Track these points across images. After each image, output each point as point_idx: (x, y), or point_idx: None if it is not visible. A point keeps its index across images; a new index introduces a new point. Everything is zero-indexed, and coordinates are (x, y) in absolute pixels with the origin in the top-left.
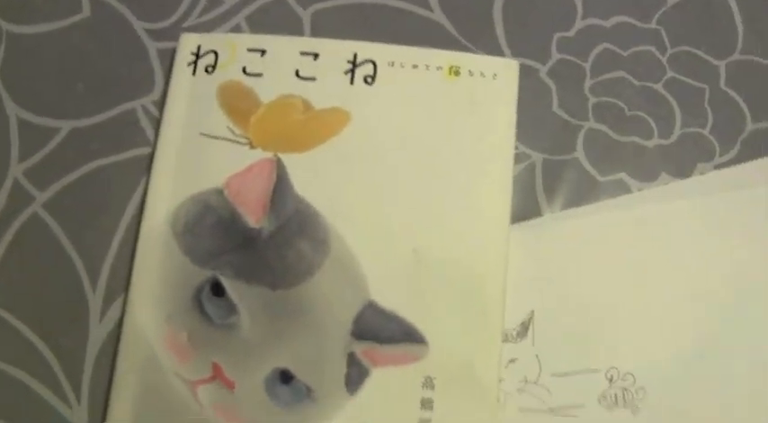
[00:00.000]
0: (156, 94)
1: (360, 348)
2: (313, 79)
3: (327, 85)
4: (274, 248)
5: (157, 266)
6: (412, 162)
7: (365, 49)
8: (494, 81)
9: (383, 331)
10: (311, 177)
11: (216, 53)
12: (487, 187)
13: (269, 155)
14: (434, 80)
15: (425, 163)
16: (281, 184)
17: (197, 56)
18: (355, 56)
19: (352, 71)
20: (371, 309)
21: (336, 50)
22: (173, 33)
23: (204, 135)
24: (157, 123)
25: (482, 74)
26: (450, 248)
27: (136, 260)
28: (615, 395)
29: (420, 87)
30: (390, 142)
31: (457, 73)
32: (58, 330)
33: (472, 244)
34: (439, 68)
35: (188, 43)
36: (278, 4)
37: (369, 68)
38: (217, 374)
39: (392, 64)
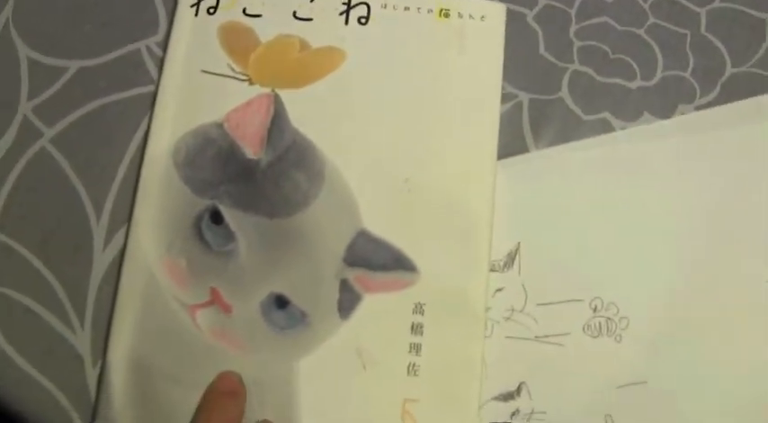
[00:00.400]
0: (160, 36)
1: (352, 275)
2: (310, 20)
3: (323, 26)
4: (272, 179)
5: (159, 196)
6: (404, 98)
7: None
8: (482, 22)
9: (375, 258)
10: (308, 112)
11: None
12: (475, 122)
13: (267, 91)
14: (425, 21)
15: (417, 99)
16: (278, 118)
17: None
18: None
19: (347, 12)
20: (364, 237)
21: None
22: None
23: (205, 72)
24: (161, 63)
25: (471, 16)
26: (440, 179)
27: (138, 191)
28: (599, 324)
29: (412, 28)
30: (383, 79)
31: (447, 15)
32: (64, 259)
33: (461, 175)
34: (429, 11)
35: None
36: None
37: (363, 10)
38: (215, 299)
39: (385, 6)
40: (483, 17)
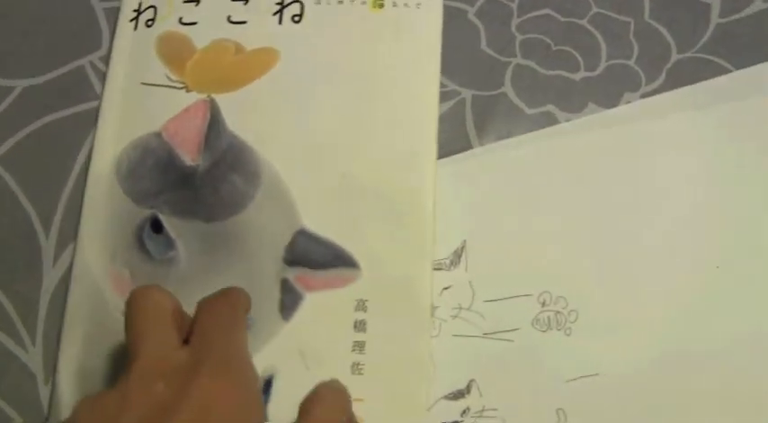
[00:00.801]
0: (103, 51)
1: (293, 274)
2: (244, 23)
3: (257, 27)
4: (209, 183)
5: (103, 209)
6: (339, 93)
7: None
8: (417, 10)
9: (315, 256)
10: (243, 114)
11: (155, 8)
12: (414, 113)
13: (203, 97)
14: (360, 13)
15: (353, 93)
16: (214, 123)
17: (138, 12)
18: None
19: (281, 12)
20: (303, 235)
21: None
22: None
23: (144, 84)
24: (104, 78)
25: (406, 4)
26: (379, 173)
27: (84, 206)
28: (548, 318)
29: (346, 22)
30: (319, 76)
31: (381, 5)
32: (14, 277)
33: (400, 167)
34: (363, 2)
35: (130, 1)
36: None
37: (296, 8)
38: None
39: (318, 2)
40: (418, 5)
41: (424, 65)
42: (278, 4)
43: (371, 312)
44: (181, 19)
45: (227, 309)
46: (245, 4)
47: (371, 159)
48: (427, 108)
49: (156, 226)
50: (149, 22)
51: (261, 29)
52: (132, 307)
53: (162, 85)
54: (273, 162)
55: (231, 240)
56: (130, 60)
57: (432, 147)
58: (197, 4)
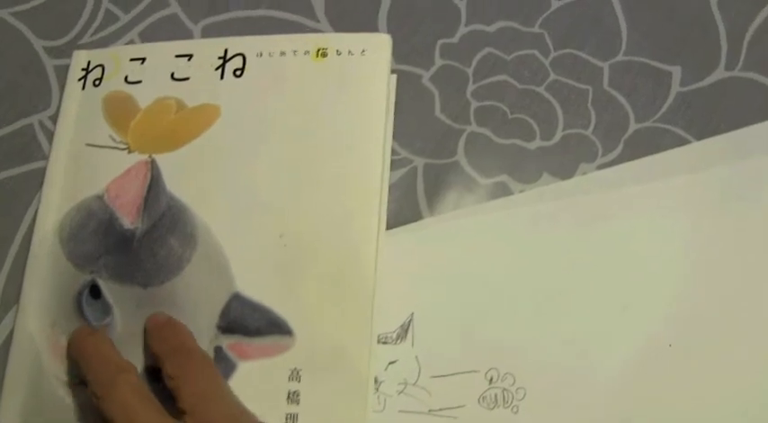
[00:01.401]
0: (52, 110)
1: (226, 342)
2: (187, 79)
3: (199, 84)
4: (147, 247)
5: (46, 274)
6: (280, 149)
7: (235, 44)
8: (362, 57)
9: (249, 323)
10: (182, 173)
11: (103, 67)
12: (358, 171)
13: (145, 157)
14: (302, 65)
15: (294, 149)
16: (154, 184)
17: (87, 70)
18: (226, 51)
19: (223, 66)
20: (238, 300)
21: (208, 48)
22: (69, 51)
23: (89, 145)
24: (53, 138)
25: (350, 52)
26: (319, 234)
27: (27, 269)
28: (495, 395)
29: (288, 74)
30: (259, 132)
31: (324, 55)
32: None
33: (341, 231)
34: (306, 53)
35: (79, 59)
36: (169, 19)
37: (238, 62)
38: None
39: (260, 54)
40: (363, 51)
41: (370, 116)
42: (220, 58)
43: (305, 382)
44: (126, 78)
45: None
46: (189, 60)
47: (311, 221)
48: (372, 166)
49: (95, 292)
50: (97, 82)
51: (203, 85)
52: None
53: (106, 147)
54: (210, 223)
55: (167, 306)
56: (77, 120)
57: (374, 208)
58: (142, 63)
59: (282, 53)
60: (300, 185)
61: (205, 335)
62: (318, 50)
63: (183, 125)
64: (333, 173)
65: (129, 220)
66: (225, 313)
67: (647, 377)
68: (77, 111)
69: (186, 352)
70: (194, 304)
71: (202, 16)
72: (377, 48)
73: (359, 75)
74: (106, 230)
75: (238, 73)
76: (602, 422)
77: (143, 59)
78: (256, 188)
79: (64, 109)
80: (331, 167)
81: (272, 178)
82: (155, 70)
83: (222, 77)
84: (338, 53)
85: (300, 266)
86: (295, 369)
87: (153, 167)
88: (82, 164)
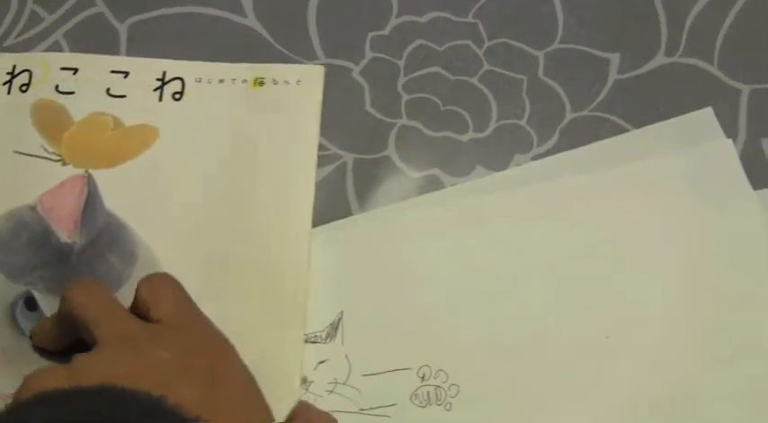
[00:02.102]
0: None
1: None
2: (123, 97)
3: (137, 103)
4: (85, 262)
5: None
6: (216, 172)
7: (174, 67)
8: (297, 87)
9: None
10: (120, 191)
11: (30, 72)
12: (286, 191)
13: (80, 171)
14: (239, 93)
15: (229, 171)
16: (91, 200)
17: (12, 75)
18: (164, 73)
19: (162, 88)
20: None
21: (146, 68)
22: None
23: (18, 153)
24: None
25: (286, 82)
26: (249, 247)
27: None
28: (428, 393)
29: (226, 100)
30: (196, 155)
31: (261, 83)
32: None
33: (271, 247)
34: (244, 81)
35: (3, 63)
36: (95, 19)
37: (177, 85)
38: None
39: (200, 80)
40: (299, 81)
41: (300, 142)
42: (159, 79)
43: None
44: (57, 87)
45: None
46: (125, 77)
47: (243, 236)
48: (301, 185)
49: (31, 303)
50: (24, 87)
51: (140, 104)
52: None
53: (37, 156)
54: (148, 241)
55: None
56: (3, 126)
57: (304, 221)
58: (74, 73)
59: (221, 80)
60: (232, 206)
61: None
62: (256, 79)
63: (121, 143)
64: (263, 195)
65: (65, 234)
66: None
67: (582, 369)
68: (3, 116)
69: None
70: None
71: (129, 14)
72: (311, 78)
73: (293, 103)
74: (41, 243)
75: (177, 96)
76: (536, 416)
77: (75, 70)
78: (191, 209)
79: None
80: (261, 191)
81: (206, 200)
82: (88, 83)
83: (161, 99)
84: (275, 82)
85: (234, 283)
86: None
87: (90, 182)
88: (10, 171)
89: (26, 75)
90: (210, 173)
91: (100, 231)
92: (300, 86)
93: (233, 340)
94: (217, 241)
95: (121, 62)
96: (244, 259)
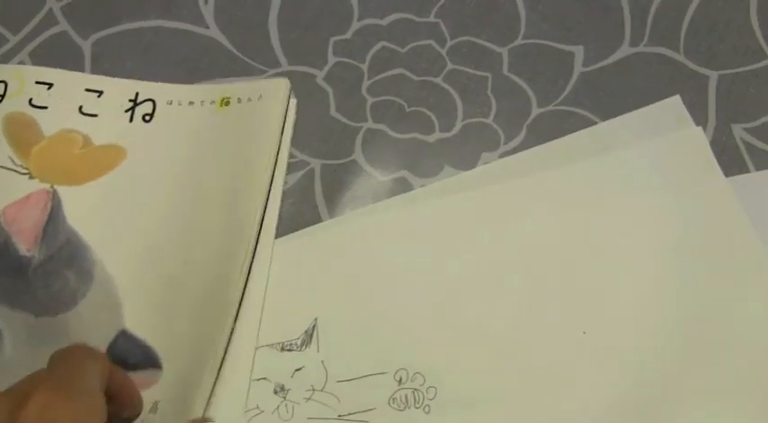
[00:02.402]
0: None
1: None
2: (95, 116)
3: (108, 122)
4: (42, 277)
5: None
6: (180, 193)
7: (147, 89)
8: (259, 102)
9: (130, 358)
10: (84, 210)
11: (6, 84)
12: (246, 207)
13: (46, 186)
14: (207, 114)
15: (193, 193)
16: (54, 216)
17: None
18: (137, 95)
19: (133, 109)
20: (123, 337)
21: (120, 89)
22: None
23: None
24: None
25: (249, 99)
26: (206, 271)
27: None
28: (406, 396)
29: (194, 122)
30: (160, 176)
31: (227, 103)
32: None
33: (225, 261)
34: (212, 102)
35: None
36: (58, 37)
37: (148, 107)
38: None
39: (170, 102)
40: (260, 97)
41: (261, 157)
42: (131, 101)
43: (160, 414)
44: (31, 100)
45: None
46: (99, 96)
47: (201, 257)
48: (259, 201)
49: None
50: None
51: (111, 124)
52: None
53: (4, 168)
54: (106, 261)
55: (57, 336)
56: None
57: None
58: (49, 88)
59: (191, 103)
60: (191, 228)
61: None
62: (222, 100)
63: (89, 162)
64: (223, 213)
65: (25, 246)
66: (111, 348)
67: (559, 366)
68: None
69: None
70: (83, 337)
71: (92, 31)
72: (273, 92)
73: (253, 119)
74: (0, 253)
75: (147, 118)
76: (515, 416)
77: (50, 85)
78: (152, 231)
79: None
80: (222, 208)
81: (165, 222)
82: (62, 99)
83: (131, 120)
84: (239, 101)
85: (185, 301)
86: (156, 401)
87: (54, 198)
88: None
89: (1, 86)
90: (172, 194)
91: (60, 247)
92: (261, 101)
93: (168, 365)
94: (172, 262)
95: (96, 81)
96: (195, 277)
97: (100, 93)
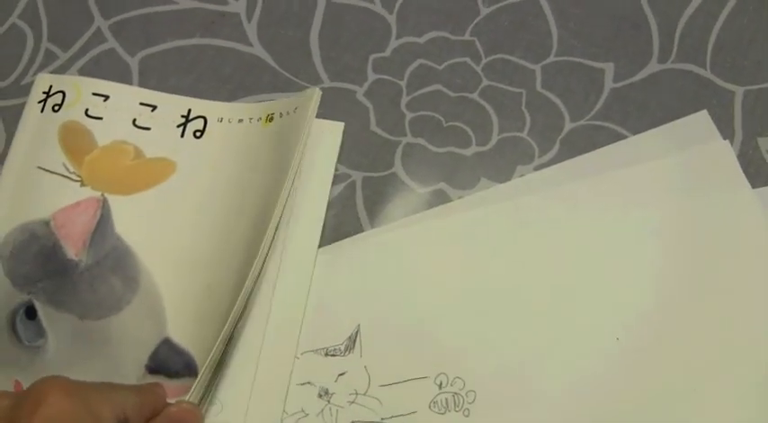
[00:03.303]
0: None
1: (150, 381)
2: (148, 129)
3: (160, 136)
4: (88, 281)
5: None
6: (226, 207)
7: (199, 106)
8: (294, 115)
9: (172, 366)
10: (132, 219)
11: (64, 93)
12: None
13: (97, 194)
14: (254, 130)
15: (237, 207)
16: (103, 223)
17: (48, 94)
18: (189, 111)
19: (185, 125)
20: (166, 344)
21: (173, 105)
22: (13, 92)
23: (41, 168)
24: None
25: (288, 113)
26: (239, 281)
27: None
28: (446, 400)
29: (242, 139)
30: (208, 191)
31: (271, 119)
32: None
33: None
34: (259, 119)
35: (41, 83)
36: (107, 54)
37: (199, 123)
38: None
39: (221, 120)
40: (296, 109)
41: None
42: (183, 116)
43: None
44: (87, 111)
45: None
46: (153, 111)
47: (235, 269)
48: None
49: (30, 312)
50: (56, 107)
51: (163, 138)
52: None
53: (58, 174)
54: (152, 270)
55: (101, 340)
56: (32, 141)
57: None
58: (105, 100)
59: (240, 120)
60: (228, 241)
61: (133, 372)
62: (267, 116)
63: (140, 173)
64: (262, 225)
65: (73, 251)
66: (154, 355)
67: (597, 371)
68: (33, 132)
69: None
70: (127, 343)
71: (139, 49)
72: (305, 103)
73: (289, 132)
74: (48, 256)
75: (198, 134)
76: (552, 417)
77: (106, 97)
78: (196, 243)
79: (21, 128)
80: (251, 220)
81: (209, 234)
82: (117, 111)
83: (183, 135)
84: (281, 116)
85: (215, 312)
86: None
87: (104, 206)
88: (32, 185)
89: (60, 96)
90: (218, 209)
91: (106, 254)
92: (296, 113)
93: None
94: (212, 272)
95: (151, 96)
96: (231, 287)
97: (154, 107)
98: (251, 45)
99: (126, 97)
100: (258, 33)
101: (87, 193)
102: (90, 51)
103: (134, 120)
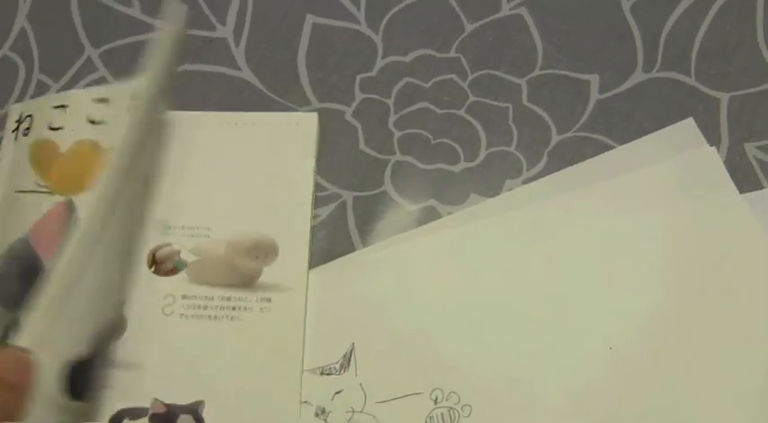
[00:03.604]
0: None
1: None
2: (104, 123)
3: (113, 125)
4: None
5: None
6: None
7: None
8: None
9: None
10: None
11: (32, 116)
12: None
13: (62, 199)
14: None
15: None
16: (71, 225)
17: (19, 122)
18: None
19: None
20: None
21: (123, 91)
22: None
23: (19, 191)
24: None
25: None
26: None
27: None
28: (442, 415)
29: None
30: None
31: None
32: None
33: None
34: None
35: (14, 113)
36: (98, 82)
37: None
38: None
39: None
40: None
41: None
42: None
43: None
44: (50, 125)
45: None
46: (106, 104)
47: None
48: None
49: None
50: (26, 131)
51: (117, 126)
52: None
53: (32, 191)
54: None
55: None
56: (10, 170)
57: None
58: (64, 109)
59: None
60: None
61: None
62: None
63: (97, 165)
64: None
65: (48, 259)
66: None
67: (592, 385)
68: (10, 161)
69: None
70: None
71: (129, 76)
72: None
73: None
74: (31, 272)
75: None
76: None
77: (65, 106)
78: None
79: (1, 160)
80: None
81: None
82: (75, 116)
83: None
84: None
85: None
86: None
87: (70, 208)
88: (12, 209)
89: (29, 120)
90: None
91: None
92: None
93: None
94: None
95: (102, 91)
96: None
97: (107, 100)
98: (239, 69)
99: (81, 100)
100: (246, 57)
101: (56, 200)
102: (81, 81)
103: (90, 118)
